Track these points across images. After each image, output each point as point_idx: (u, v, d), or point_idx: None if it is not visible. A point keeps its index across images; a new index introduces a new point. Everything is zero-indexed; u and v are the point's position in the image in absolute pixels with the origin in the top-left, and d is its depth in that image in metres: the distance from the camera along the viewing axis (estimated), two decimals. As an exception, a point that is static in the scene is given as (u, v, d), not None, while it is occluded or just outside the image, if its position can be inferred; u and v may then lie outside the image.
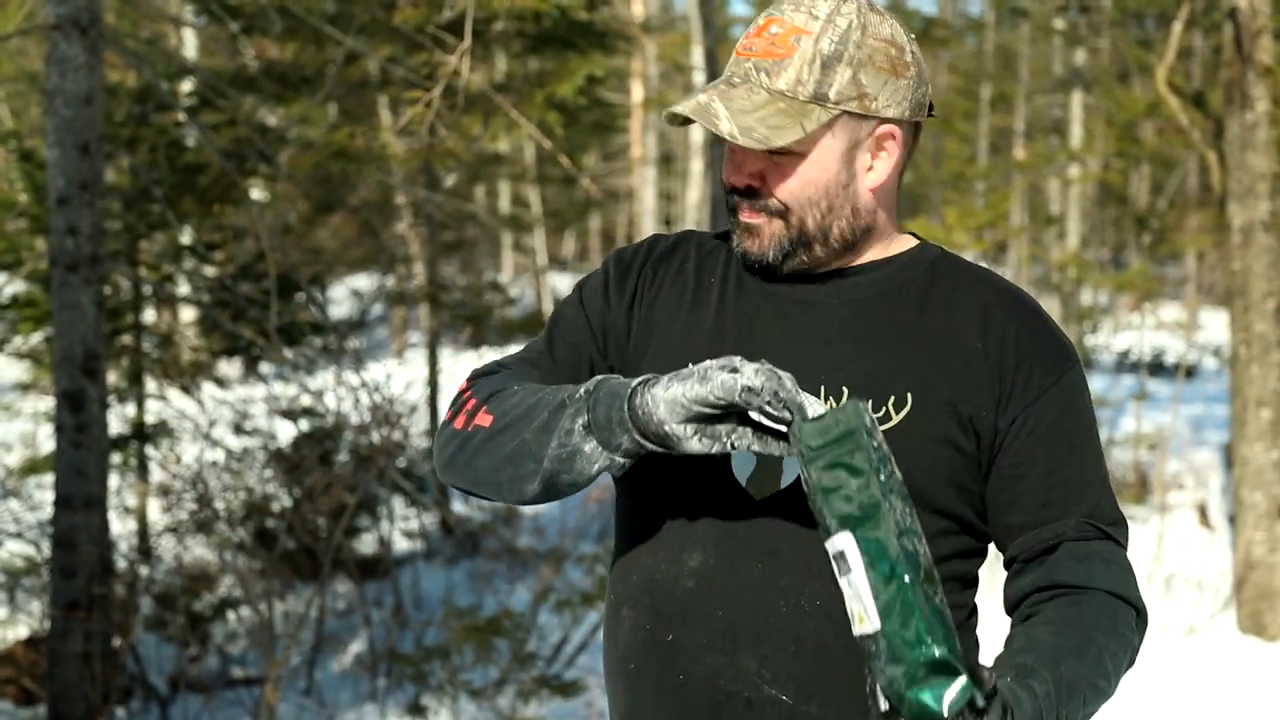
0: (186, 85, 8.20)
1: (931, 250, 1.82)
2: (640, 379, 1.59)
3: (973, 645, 1.83)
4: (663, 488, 1.75)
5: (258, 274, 7.32)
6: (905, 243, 1.82)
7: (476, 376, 1.84)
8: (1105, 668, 1.65)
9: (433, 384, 9.29)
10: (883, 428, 1.65)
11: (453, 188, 11.57)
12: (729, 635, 1.70)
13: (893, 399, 1.69)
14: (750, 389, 1.49)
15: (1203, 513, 8.98)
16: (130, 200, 6.77)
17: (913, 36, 1.77)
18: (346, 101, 9.78)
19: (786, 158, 1.70)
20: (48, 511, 5.77)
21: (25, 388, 8.52)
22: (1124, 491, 9.77)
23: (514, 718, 5.20)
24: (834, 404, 1.69)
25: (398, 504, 8.09)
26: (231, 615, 6.50)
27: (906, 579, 1.45)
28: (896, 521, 1.46)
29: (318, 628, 6.21)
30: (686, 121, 1.75)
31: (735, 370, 1.50)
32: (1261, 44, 6.30)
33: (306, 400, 7.38)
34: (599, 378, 1.64)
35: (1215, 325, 19.42)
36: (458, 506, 9.11)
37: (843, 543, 1.47)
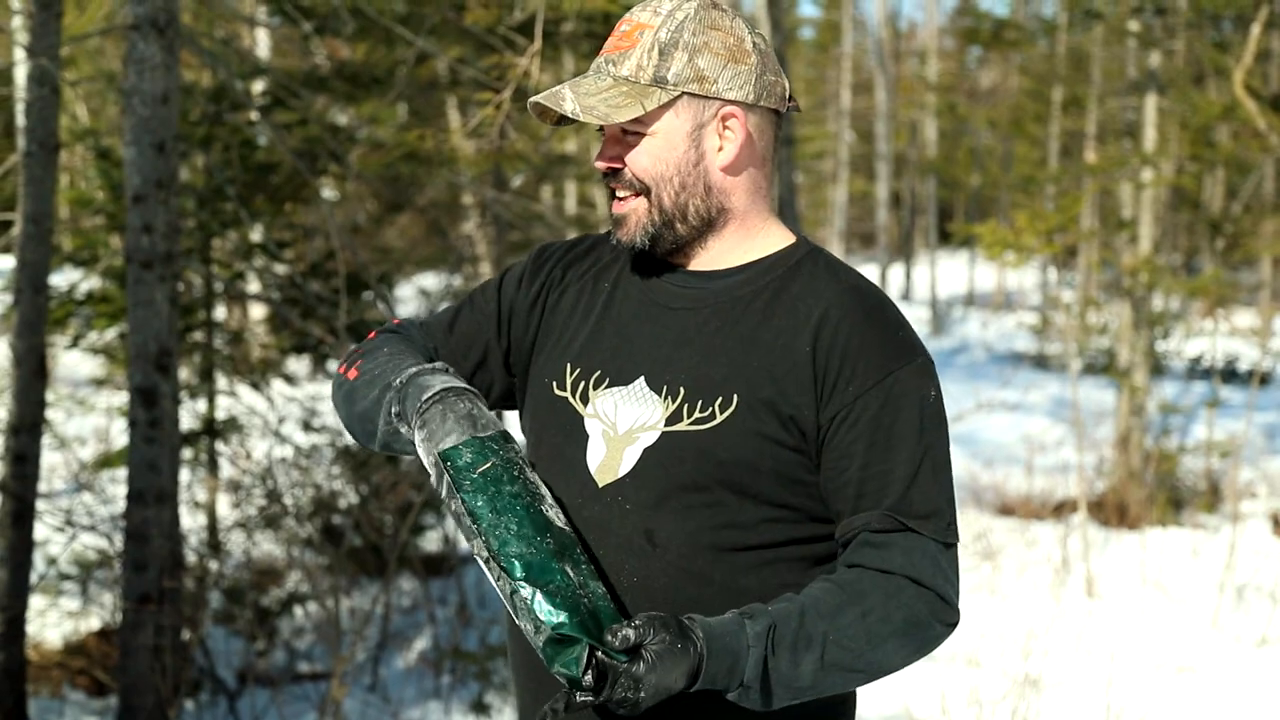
0: (259, 85, 8.28)
1: (800, 250, 1.98)
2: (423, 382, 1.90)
3: None
4: (542, 474, 1.96)
5: (327, 272, 7.38)
6: (779, 241, 1.98)
7: (381, 330, 2.14)
8: (860, 631, 1.77)
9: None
10: (706, 425, 1.86)
11: (520, 188, 11.61)
12: None
13: (719, 400, 1.86)
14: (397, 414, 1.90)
15: (1276, 522, 8.84)
16: (204, 198, 6.85)
17: (759, 31, 1.95)
18: (416, 102, 9.84)
19: (639, 139, 1.90)
20: (120, 505, 5.86)
21: (99, 383, 8.65)
22: (1195, 500, 9.65)
23: (577, 717, 5.21)
24: (669, 403, 1.88)
25: (463, 502, 8.12)
26: (299, 610, 6.56)
27: (514, 585, 1.70)
28: (499, 535, 1.73)
29: (383, 624, 6.26)
30: (561, 121, 1.95)
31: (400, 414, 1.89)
32: (1342, 47, 6.18)
33: (374, 398, 7.42)
34: (411, 371, 1.93)
35: (1290, 332, 19.11)
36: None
37: (476, 557, 1.78)
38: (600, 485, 1.90)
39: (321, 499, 6.67)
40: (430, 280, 16.05)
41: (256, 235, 7.38)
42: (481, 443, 1.80)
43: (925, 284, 27.09)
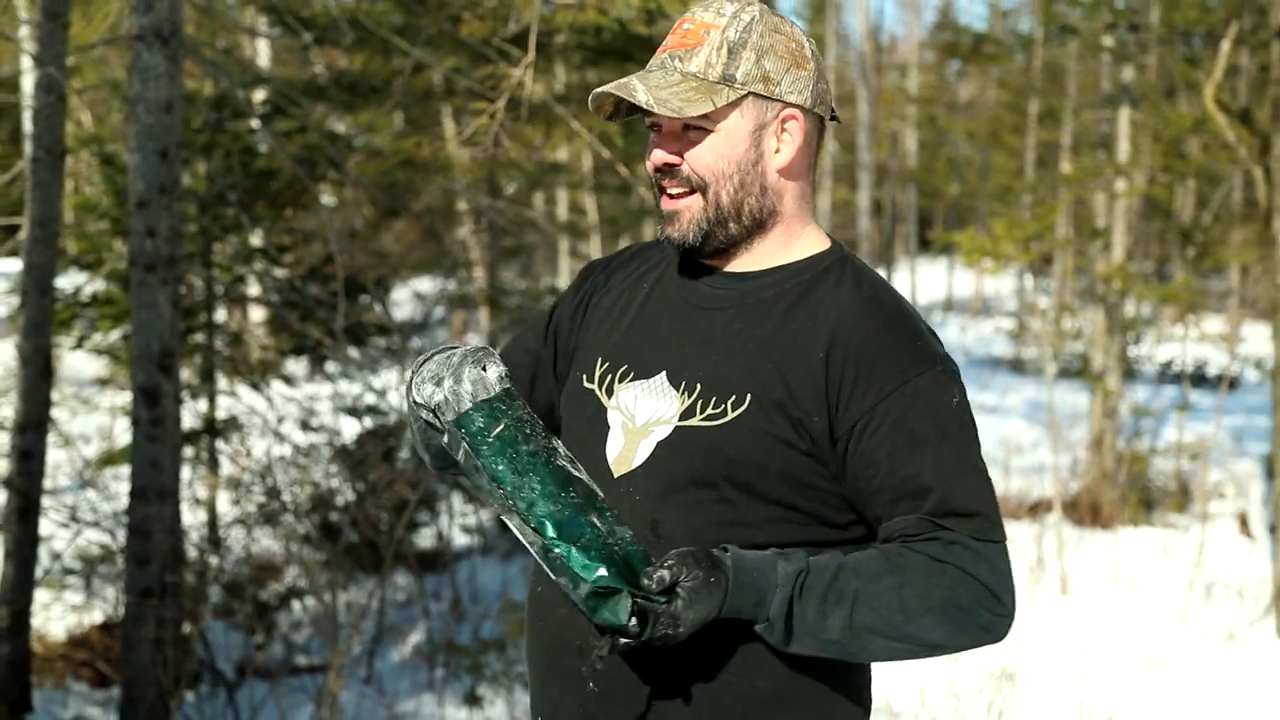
0: (260, 94, 8.27)
1: (831, 256, 1.95)
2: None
3: None
4: None
5: (326, 276, 7.37)
6: (814, 246, 1.96)
7: None
8: (894, 601, 1.73)
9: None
10: (718, 422, 1.84)
11: (513, 195, 11.61)
12: None
13: (733, 398, 1.84)
14: (415, 404, 1.83)
15: (1243, 522, 8.86)
16: (206, 204, 6.84)
17: (812, 40, 1.94)
18: (412, 111, 9.83)
19: (701, 134, 1.87)
20: (123, 502, 5.84)
21: (103, 382, 8.63)
22: (1166, 500, 9.67)
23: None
24: (685, 398, 1.87)
25: (456, 500, 8.13)
26: (296, 605, 6.54)
27: (547, 543, 1.68)
28: (525, 497, 1.71)
29: (378, 619, 6.25)
30: (614, 115, 1.93)
31: (417, 386, 1.83)
32: (1309, 62, 6.21)
33: (370, 398, 7.43)
34: (416, 361, 1.94)
35: (1257, 338, 19.15)
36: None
37: (505, 520, 1.74)
38: (615, 476, 1.88)
39: (319, 496, 6.66)
40: (425, 284, 16.06)
41: (257, 240, 7.37)
42: (490, 405, 1.76)
43: (905, 290, 27.11)
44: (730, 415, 1.83)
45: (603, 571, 1.66)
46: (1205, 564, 7.46)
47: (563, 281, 24.83)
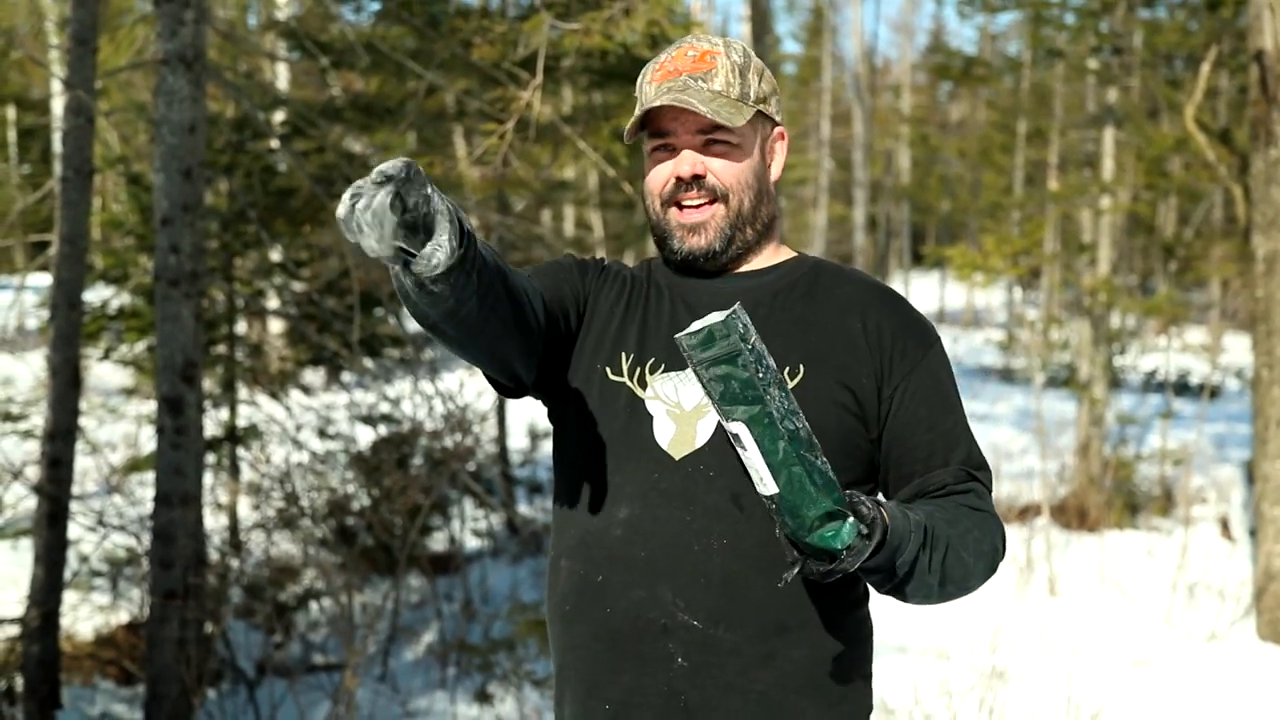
0: (279, 115, 8.30)
1: (810, 258, 2.07)
2: None
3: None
4: (596, 456, 1.94)
5: (342, 290, 7.38)
6: (787, 251, 2.07)
7: None
8: (970, 543, 1.83)
9: (501, 394, 9.30)
10: None
11: (521, 212, 11.62)
12: (649, 572, 1.87)
13: (787, 369, 1.89)
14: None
15: (1225, 525, 8.85)
16: (227, 221, 6.85)
17: None
18: (425, 131, 9.84)
19: (722, 148, 1.94)
20: (148, 507, 5.85)
21: (129, 392, 8.65)
22: (1150, 504, 9.66)
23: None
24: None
25: (468, 505, 8.12)
26: (314, 606, 6.54)
27: (793, 453, 1.64)
28: (777, 407, 1.64)
29: (393, 619, 6.25)
30: (638, 133, 1.95)
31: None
32: (1286, 84, 6.21)
33: (385, 407, 7.43)
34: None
35: (1238, 349, 19.17)
36: (523, 508, 9.14)
37: (737, 428, 1.66)
38: (678, 458, 1.88)
39: (336, 501, 6.66)
40: (438, 297, 16.05)
41: (276, 255, 7.39)
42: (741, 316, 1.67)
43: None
44: (789, 383, 1.87)
45: (839, 494, 1.66)
46: (1188, 566, 7.45)
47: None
